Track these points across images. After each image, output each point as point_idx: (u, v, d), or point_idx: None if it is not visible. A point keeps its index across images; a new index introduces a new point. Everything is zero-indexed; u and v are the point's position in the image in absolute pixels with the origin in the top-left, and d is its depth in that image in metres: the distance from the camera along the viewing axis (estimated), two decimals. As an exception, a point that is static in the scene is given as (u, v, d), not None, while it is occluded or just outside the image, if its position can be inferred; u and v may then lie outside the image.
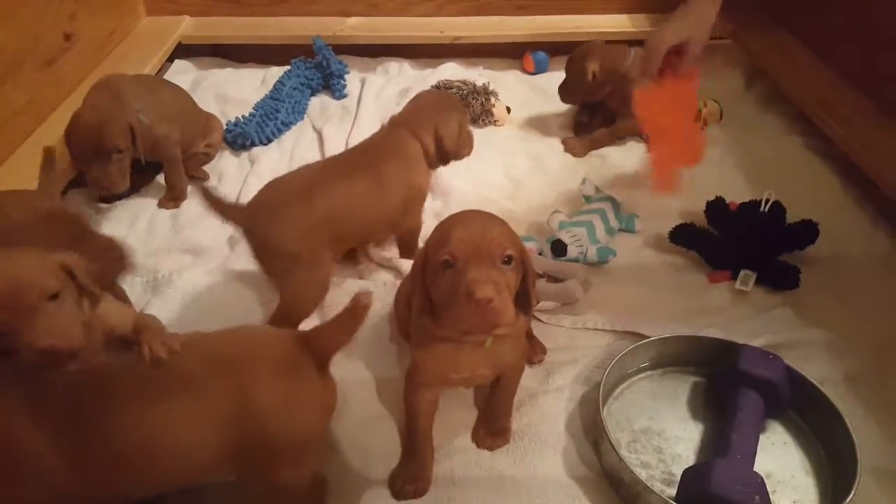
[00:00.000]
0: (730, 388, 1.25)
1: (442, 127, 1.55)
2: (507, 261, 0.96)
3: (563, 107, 2.27)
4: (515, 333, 1.11)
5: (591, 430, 1.25)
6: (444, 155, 1.58)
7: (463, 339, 1.04)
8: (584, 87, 2.09)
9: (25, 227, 1.20)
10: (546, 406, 1.28)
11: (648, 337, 1.37)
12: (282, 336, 1.01)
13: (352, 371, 1.36)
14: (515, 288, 1.00)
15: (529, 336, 1.38)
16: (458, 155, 1.63)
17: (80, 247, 1.05)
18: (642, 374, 1.36)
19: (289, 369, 0.96)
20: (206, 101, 2.20)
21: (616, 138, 2.14)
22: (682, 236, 1.66)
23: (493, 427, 1.23)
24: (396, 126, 1.55)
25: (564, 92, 2.17)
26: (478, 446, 1.22)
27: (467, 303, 0.91)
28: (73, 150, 1.70)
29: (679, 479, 1.11)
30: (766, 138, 2.17)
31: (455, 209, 1.73)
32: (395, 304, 1.39)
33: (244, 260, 1.54)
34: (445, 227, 0.99)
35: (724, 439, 1.17)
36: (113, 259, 1.28)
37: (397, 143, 1.52)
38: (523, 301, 1.03)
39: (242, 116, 2.12)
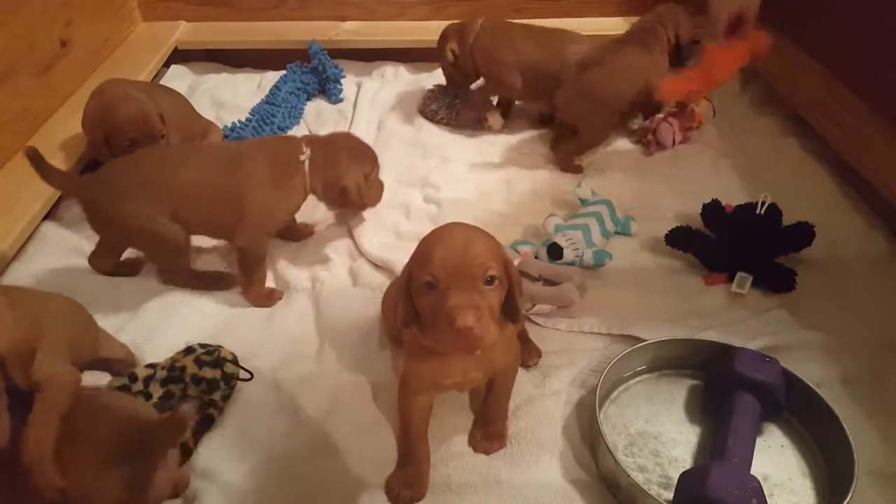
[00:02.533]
0: (726, 391, 1.25)
1: (346, 177, 1.55)
2: (490, 281, 0.96)
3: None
4: (506, 337, 1.11)
5: (587, 433, 1.25)
6: (344, 201, 1.59)
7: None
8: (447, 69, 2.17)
9: None
10: (542, 410, 1.28)
11: (645, 340, 1.36)
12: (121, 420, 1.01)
13: (346, 376, 1.36)
14: (500, 302, 1.01)
15: (524, 339, 1.38)
16: (362, 205, 1.66)
17: None
18: (639, 378, 1.35)
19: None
20: (203, 106, 2.20)
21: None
22: (679, 239, 1.66)
23: (489, 431, 1.23)
24: (305, 143, 1.55)
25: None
26: (474, 450, 1.22)
27: (448, 328, 0.93)
28: (116, 143, 1.66)
29: (676, 482, 1.11)
30: (762, 140, 2.17)
31: (448, 214, 1.80)
32: (383, 308, 1.40)
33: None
34: (428, 245, 0.99)
35: (721, 443, 1.16)
36: None
37: (281, 155, 1.53)
38: (510, 310, 1.05)
39: (239, 121, 2.12)
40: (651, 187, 1.94)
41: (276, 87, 2.26)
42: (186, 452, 1.20)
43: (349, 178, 1.55)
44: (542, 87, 2.03)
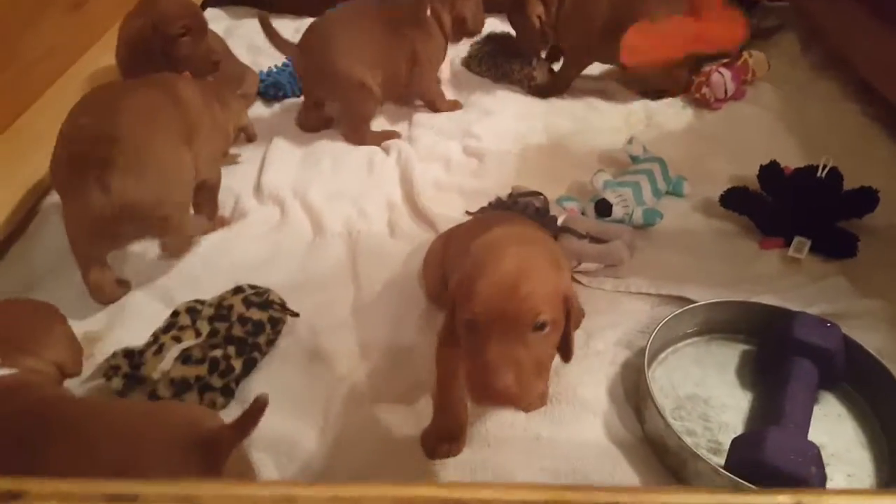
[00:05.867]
0: (782, 356, 1.18)
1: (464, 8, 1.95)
2: (540, 326, 0.85)
3: (604, 67, 2.19)
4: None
5: (632, 394, 1.19)
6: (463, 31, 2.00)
7: None
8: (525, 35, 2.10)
9: None
10: (585, 370, 1.22)
11: (695, 302, 1.30)
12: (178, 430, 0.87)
13: (381, 331, 1.32)
14: (553, 349, 0.92)
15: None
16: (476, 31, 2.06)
17: None
18: (688, 341, 1.29)
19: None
20: (239, 51, 2.14)
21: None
22: (734, 200, 1.58)
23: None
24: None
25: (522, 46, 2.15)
26: (514, 407, 1.17)
27: (484, 380, 0.83)
28: (166, 31, 1.62)
29: (727, 447, 1.05)
30: (822, 104, 2.06)
31: (491, 168, 1.73)
32: (424, 267, 1.34)
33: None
34: (474, 273, 0.87)
35: (777, 408, 1.10)
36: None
37: (421, 8, 1.89)
38: (563, 349, 0.94)
39: (276, 66, 2.06)
40: (703, 148, 1.86)
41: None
42: (228, 393, 1.16)
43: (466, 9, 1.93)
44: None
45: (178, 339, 1.18)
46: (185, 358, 1.15)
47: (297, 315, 1.30)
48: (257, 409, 0.84)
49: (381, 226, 1.60)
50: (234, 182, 1.69)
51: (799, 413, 1.09)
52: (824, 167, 1.55)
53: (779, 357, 1.19)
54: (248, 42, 2.30)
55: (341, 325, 1.32)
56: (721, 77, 1.98)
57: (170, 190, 1.31)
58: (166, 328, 1.20)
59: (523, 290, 0.83)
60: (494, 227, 1.01)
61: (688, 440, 1.10)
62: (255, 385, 1.20)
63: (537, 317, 0.84)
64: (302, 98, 1.94)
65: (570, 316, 0.91)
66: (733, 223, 1.60)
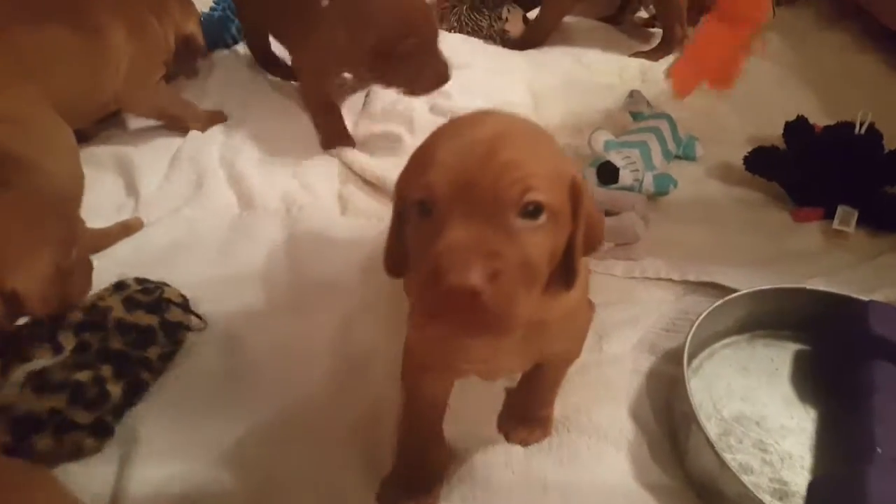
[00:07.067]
0: (856, 359, 0.91)
1: None
2: (532, 212, 0.55)
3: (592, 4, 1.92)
4: (571, 306, 0.69)
5: (664, 416, 0.90)
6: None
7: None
8: None
9: None
10: (601, 383, 0.92)
11: (729, 289, 1.02)
12: None
13: (328, 334, 1.01)
14: (554, 252, 0.59)
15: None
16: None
17: None
18: (726, 340, 1.00)
19: None
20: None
21: None
22: (761, 163, 1.30)
23: (527, 415, 0.87)
24: None
25: None
26: (507, 439, 0.86)
27: (435, 285, 0.52)
28: None
29: (795, 489, 0.77)
30: (835, 54, 1.83)
31: None
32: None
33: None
34: (432, 141, 0.59)
35: (863, 433, 0.82)
36: None
37: None
38: (564, 268, 0.62)
39: (203, 12, 1.70)
40: (712, 105, 1.57)
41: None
42: (102, 431, 0.84)
43: None
44: None
45: (25, 358, 0.84)
46: (37, 385, 0.81)
47: (202, 323, 0.99)
48: None
49: (328, 200, 1.27)
50: (145, 153, 1.34)
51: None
52: (862, 124, 1.28)
53: (850, 360, 0.91)
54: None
55: (271, 332, 1.00)
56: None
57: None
58: (8, 342, 0.86)
59: (505, 155, 0.55)
60: None
61: (744, 479, 0.80)
62: (145, 418, 0.87)
63: (526, 193, 0.54)
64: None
65: (580, 213, 0.60)
66: (758, 190, 1.33)
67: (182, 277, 1.04)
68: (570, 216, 0.59)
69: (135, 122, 1.43)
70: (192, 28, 1.48)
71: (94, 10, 1.22)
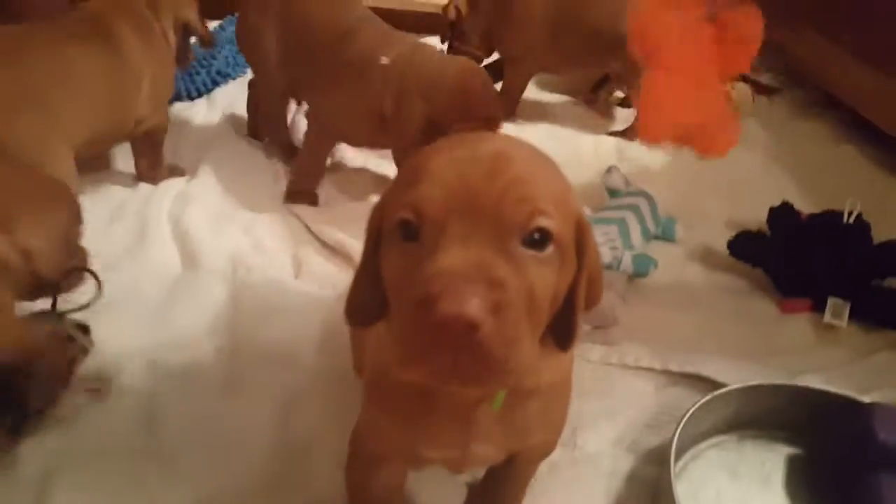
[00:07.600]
0: (859, 468, 0.81)
1: None
2: (539, 239, 0.47)
3: (567, 82, 1.91)
4: (554, 384, 0.59)
5: (646, 527, 0.79)
6: None
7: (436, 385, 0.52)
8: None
9: None
10: (575, 485, 0.81)
11: (713, 382, 0.93)
12: None
13: (271, 415, 0.88)
14: (557, 293, 0.50)
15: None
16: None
17: None
18: (712, 440, 0.90)
19: None
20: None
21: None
22: (747, 248, 1.23)
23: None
24: None
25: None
26: (465, 550, 0.74)
27: (423, 317, 0.43)
28: None
29: None
30: (814, 144, 1.80)
31: None
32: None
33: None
34: (425, 155, 0.50)
35: (872, 560, 0.71)
36: None
37: None
38: (563, 322, 0.52)
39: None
40: (692, 187, 1.52)
41: (221, 27, 1.77)
42: None
43: None
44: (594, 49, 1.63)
45: None
46: None
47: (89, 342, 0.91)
48: None
49: (281, 262, 1.17)
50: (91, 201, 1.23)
51: (909, 569, 0.70)
52: (850, 213, 1.23)
53: (851, 470, 0.82)
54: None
55: (199, 408, 0.87)
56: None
57: None
58: None
59: (511, 172, 0.47)
60: None
61: None
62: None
63: (535, 217, 0.46)
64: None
65: (586, 256, 0.52)
66: (741, 276, 1.26)
67: (109, 334, 0.92)
68: (575, 258, 0.51)
69: (81, 168, 1.33)
70: (191, 15, 1.35)
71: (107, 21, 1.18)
